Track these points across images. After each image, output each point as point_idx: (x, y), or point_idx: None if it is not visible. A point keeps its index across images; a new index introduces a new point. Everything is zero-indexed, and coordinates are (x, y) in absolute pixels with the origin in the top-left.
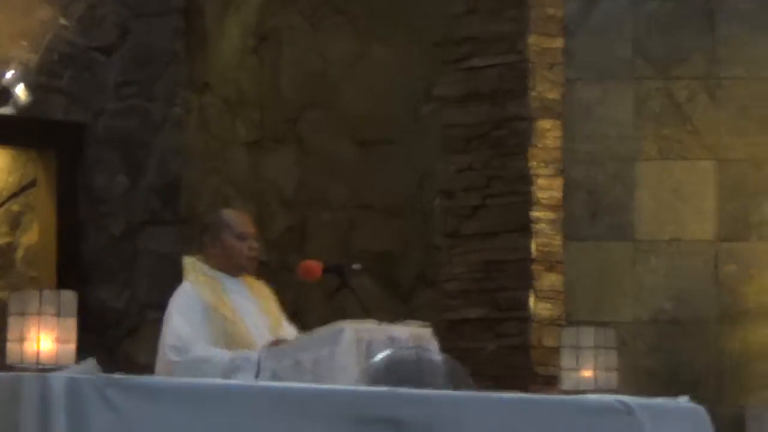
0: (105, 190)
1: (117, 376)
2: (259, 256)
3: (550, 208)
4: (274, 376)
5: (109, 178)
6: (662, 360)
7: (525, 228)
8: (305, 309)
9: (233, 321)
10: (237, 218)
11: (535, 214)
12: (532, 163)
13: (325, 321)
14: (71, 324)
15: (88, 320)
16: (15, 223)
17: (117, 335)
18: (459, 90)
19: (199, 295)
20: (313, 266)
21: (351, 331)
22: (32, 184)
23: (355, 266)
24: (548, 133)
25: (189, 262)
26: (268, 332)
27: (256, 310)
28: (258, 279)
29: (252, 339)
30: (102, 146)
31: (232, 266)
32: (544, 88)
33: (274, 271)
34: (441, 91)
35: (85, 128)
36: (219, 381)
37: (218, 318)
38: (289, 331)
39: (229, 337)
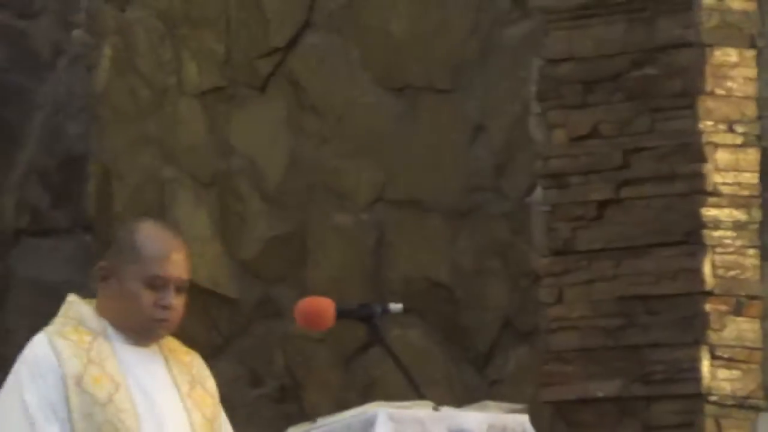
0: None
1: None
2: (176, 320)
3: (738, 202)
4: None
5: None
6: None
7: (693, 238)
8: (307, 381)
9: (105, 404)
10: (157, 247)
11: (711, 212)
12: (705, 124)
13: (341, 403)
14: None
15: None
16: None
17: None
18: None
19: (57, 358)
20: (321, 307)
21: (386, 419)
22: None
23: (394, 307)
24: (733, 72)
25: (69, 302)
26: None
27: (171, 396)
28: (184, 345)
29: None
30: None
31: (127, 325)
32: None
33: (250, 315)
34: (539, 1)
35: None
36: None
37: (83, 399)
38: None
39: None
